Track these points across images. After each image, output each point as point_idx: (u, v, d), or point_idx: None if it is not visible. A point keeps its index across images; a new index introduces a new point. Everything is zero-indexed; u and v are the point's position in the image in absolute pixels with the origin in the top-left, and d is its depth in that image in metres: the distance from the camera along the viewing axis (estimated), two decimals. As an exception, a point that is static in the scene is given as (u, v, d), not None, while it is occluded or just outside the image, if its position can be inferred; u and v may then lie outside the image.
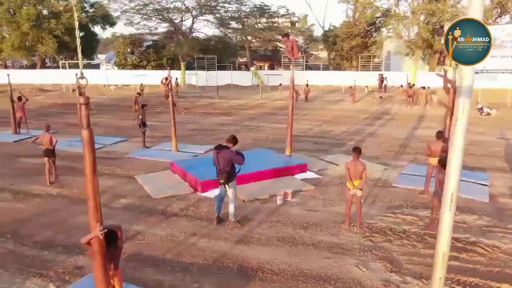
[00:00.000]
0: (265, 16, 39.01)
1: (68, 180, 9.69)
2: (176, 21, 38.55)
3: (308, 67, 38.95)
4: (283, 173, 9.70)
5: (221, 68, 39.98)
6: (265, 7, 38.43)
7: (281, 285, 5.18)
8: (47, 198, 8.55)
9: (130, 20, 39.19)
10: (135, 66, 42.13)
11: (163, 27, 41.27)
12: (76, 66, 43.59)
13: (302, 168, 10.15)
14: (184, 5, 36.29)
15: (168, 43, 43.20)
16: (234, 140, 6.96)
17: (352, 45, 38.32)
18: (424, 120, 19.85)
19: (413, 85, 27.26)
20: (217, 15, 38.49)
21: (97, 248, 3.78)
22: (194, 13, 37.33)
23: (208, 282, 5.25)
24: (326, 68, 46.77)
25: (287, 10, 40.07)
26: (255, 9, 37.76)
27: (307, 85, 27.77)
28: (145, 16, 37.33)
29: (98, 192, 3.82)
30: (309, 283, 5.20)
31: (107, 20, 46.08)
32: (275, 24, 40.56)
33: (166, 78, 12.48)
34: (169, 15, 37.46)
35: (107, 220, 7.33)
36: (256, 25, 39.57)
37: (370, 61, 36.76)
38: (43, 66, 46.27)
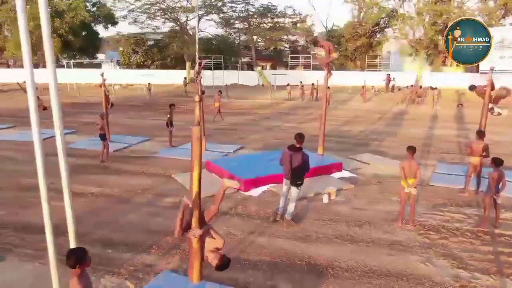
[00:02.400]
0: (270, 16, 39.09)
1: (105, 179, 9.72)
2: (182, 21, 38.54)
3: (315, 67, 39.10)
4: (321, 172, 9.79)
5: (225, 68, 40.05)
6: (272, 7, 38.57)
7: (355, 281, 5.28)
8: (91, 198, 8.58)
9: (135, 19, 39.10)
10: (139, 66, 42.08)
11: (167, 27, 41.26)
12: (79, 65, 43.51)
13: (338, 167, 10.26)
14: (191, 4, 36.28)
15: (171, 42, 43.17)
16: (302, 137, 7.21)
17: (357, 45, 38.55)
18: (437, 119, 20.04)
19: (421, 86, 27.53)
20: (224, 14, 38.53)
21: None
22: (200, 12, 37.35)
23: (281, 279, 5.33)
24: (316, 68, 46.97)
25: (294, 10, 40.30)
26: (262, 8, 37.86)
27: (312, 84, 27.97)
28: (151, 16, 37.25)
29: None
30: (382, 280, 5.30)
31: (110, 19, 45.98)
32: (280, 24, 40.70)
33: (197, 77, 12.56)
34: (175, 15, 37.42)
35: (155, 218, 7.42)
36: (261, 25, 39.64)
37: (375, 61, 37.02)
38: (45, 65, 46.08)
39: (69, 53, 45.80)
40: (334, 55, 10.85)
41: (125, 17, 37.36)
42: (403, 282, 5.25)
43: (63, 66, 40.59)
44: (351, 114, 21.30)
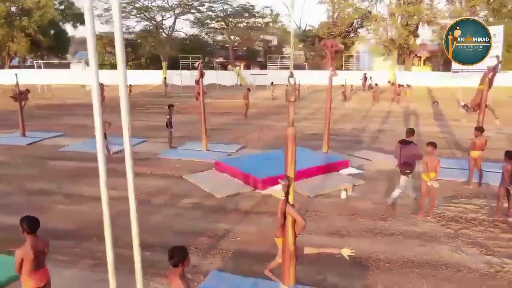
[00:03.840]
0: (247, 15, 39.24)
1: (116, 182, 9.53)
2: (158, 20, 37.96)
3: (296, 67, 39.70)
4: (329, 170, 10.05)
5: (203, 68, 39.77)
6: (250, 7, 38.72)
7: (398, 272, 5.52)
8: (94, 201, 8.40)
9: (108, 19, 38.09)
10: (113, 66, 41.02)
11: (141, 26, 40.49)
12: (48, 66, 41.88)
13: (345, 164, 10.54)
14: (168, 4, 35.82)
15: (145, 42, 42.41)
16: (412, 132, 8.07)
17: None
18: (418, 117, 20.86)
19: (400, 85, 28.54)
20: (200, 14, 38.29)
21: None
22: (176, 11, 36.93)
23: (328, 273, 5.49)
24: (302, 67, 47.69)
25: (271, 10, 40.62)
26: (240, 8, 37.92)
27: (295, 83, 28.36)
28: (126, 15, 36.45)
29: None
30: (423, 269, 5.57)
31: (79, 18, 44.58)
32: (257, 24, 40.91)
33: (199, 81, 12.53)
34: (151, 14, 36.81)
35: (180, 219, 7.39)
36: (238, 25, 39.70)
37: (349, 60, 37.98)
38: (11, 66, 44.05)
39: (36, 53, 44.06)
40: (341, 46, 11.27)
41: (100, 16, 36.32)
42: (442, 270, 5.54)
43: (32, 67, 38.98)
44: (337, 113, 21.77)
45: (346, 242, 6.39)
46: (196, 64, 12.87)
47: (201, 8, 36.21)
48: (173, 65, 39.84)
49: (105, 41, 41.64)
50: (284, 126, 15.09)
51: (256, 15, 39.63)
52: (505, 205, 7.35)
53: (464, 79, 30.51)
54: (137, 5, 35.81)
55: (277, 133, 15.99)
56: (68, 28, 46.34)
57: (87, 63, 49.16)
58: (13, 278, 5.18)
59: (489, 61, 24.63)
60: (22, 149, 13.06)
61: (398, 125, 17.85)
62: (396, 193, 7.64)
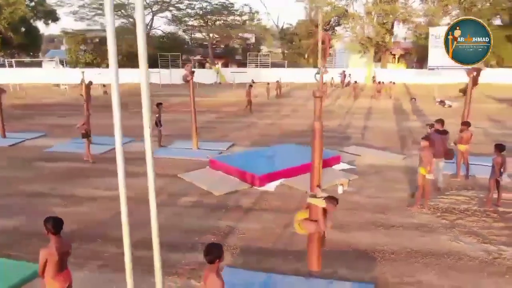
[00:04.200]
0: (226, 13, 39.14)
1: (110, 182, 9.39)
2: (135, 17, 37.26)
3: (274, 65, 39.83)
4: (322, 166, 10.18)
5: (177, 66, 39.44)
6: (229, 5, 38.61)
7: (404, 262, 5.72)
8: (104, 200, 8.29)
9: (82, 16, 37.15)
10: (88, 64, 40.04)
11: (116, 23, 39.59)
12: (20, 64, 40.43)
13: (337, 160, 10.76)
14: (146, 1, 35.20)
15: (120, 39, 41.54)
16: (442, 122, 8.85)
17: (311, 43, 39.78)
18: (398, 113, 21.44)
19: (378, 81, 29.21)
20: (179, 11, 37.88)
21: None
22: (154, 9, 36.36)
23: (337, 266, 5.61)
24: (281, 65, 48.04)
25: (250, 8, 40.64)
26: (219, 6, 37.75)
27: (277, 81, 28.57)
28: (100, 11, 35.61)
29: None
30: (427, 259, 5.80)
31: (51, 15, 43.32)
32: (236, 22, 40.85)
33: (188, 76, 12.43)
34: (128, 12, 36.11)
35: (183, 218, 7.38)
36: (216, 22, 39.51)
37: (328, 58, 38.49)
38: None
39: (6, 51, 42.47)
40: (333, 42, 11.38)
41: (75, 13, 35.34)
42: (445, 259, 5.79)
43: (3, 65, 37.54)
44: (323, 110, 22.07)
45: (349, 236, 6.56)
46: (185, 68, 12.76)
47: (180, 6, 35.83)
48: (151, 64, 39.25)
49: (79, 39, 40.58)
50: (267, 124, 15.32)
51: (235, 13, 39.59)
52: (495, 195, 7.71)
53: (439, 76, 31.62)
54: (113, 3, 35.00)
55: (262, 131, 16.11)
56: (40, 25, 44.91)
57: (60, 62, 48.08)
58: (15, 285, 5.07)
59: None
60: (4, 151, 12.62)
61: (381, 121, 18.31)
62: (441, 177, 8.61)
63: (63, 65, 42.55)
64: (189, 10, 37.29)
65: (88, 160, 11.16)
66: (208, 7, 35.34)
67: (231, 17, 39.89)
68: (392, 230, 6.78)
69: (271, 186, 8.95)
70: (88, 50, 40.88)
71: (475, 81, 10.74)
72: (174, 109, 22.00)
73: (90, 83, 14.24)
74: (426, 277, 5.34)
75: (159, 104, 13.04)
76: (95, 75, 35.98)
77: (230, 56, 52.62)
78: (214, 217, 7.38)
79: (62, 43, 57.22)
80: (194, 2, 36.36)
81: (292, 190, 8.74)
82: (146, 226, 6.96)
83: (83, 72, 14.07)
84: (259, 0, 56.91)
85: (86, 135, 11.15)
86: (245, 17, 40.20)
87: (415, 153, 12.08)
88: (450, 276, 5.34)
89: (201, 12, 37.77)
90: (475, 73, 10.74)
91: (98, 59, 40.77)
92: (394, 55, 49.45)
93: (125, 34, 41.26)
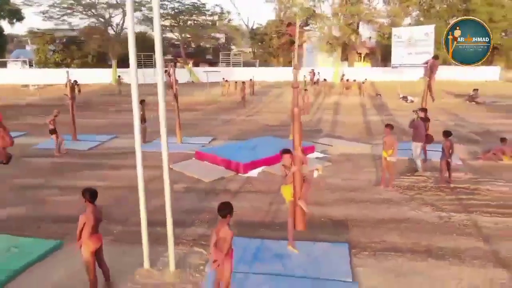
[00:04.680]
0: (197, 13, 39.71)
1: (105, 174, 10.09)
2: (106, 17, 37.14)
3: (246, 64, 40.72)
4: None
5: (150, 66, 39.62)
6: (201, 6, 39.13)
7: (372, 228, 6.81)
8: (100, 189, 8.85)
9: (50, 16, 36.60)
10: (57, 65, 39.52)
11: (86, 23, 39.31)
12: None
13: (311, 149, 11.84)
14: (117, 1, 35.25)
15: (90, 39, 41.26)
16: (425, 110, 10.17)
17: (281, 42, 41.03)
18: (364, 108, 22.94)
19: (346, 79, 30.75)
20: (151, 12, 38.04)
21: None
22: (125, 8, 36.37)
23: (318, 232, 6.63)
24: (252, 64, 49.07)
25: (222, 8, 41.37)
26: (191, 6, 38.24)
27: (251, 79, 29.55)
28: (73, 12, 35.30)
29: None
30: (391, 225, 6.92)
31: (15, 14, 42.39)
32: (207, 22, 41.47)
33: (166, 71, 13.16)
34: (98, 11, 35.97)
35: (179, 201, 8.19)
36: (188, 22, 39.93)
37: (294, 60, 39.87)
38: None
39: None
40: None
41: (45, 12, 34.76)
42: (406, 224, 6.94)
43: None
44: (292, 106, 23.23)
45: (326, 210, 7.62)
46: (167, 69, 13.47)
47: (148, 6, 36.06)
48: (122, 63, 39.18)
49: (47, 39, 39.97)
50: (244, 120, 16.31)
51: (206, 13, 40.21)
52: (446, 174, 9.00)
53: (401, 74, 33.66)
54: (83, 2, 34.82)
55: (239, 126, 17.04)
56: (4, 25, 43.74)
57: (26, 62, 47.06)
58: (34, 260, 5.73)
59: (424, 58, 27.44)
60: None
61: (349, 116, 19.66)
62: (418, 161, 9.79)
63: (31, 65, 41.78)
64: (162, 10, 37.57)
65: (57, 156, 11.84)
66: (180, 7, 35.80)
67: (203, 17, 40.52)
68: (362, 204, 7.89)
69: (254, 173, 9.92)
70: (57, 50, 40.32)
71: (432, 72, 11.95)
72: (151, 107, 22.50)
73: (75, 82, 14.64)
74: (390, 237, 6.44)
75: (142, 101, 13.69)
76: (56, 75, 35.80)
77: (200, 56, 53.13)
78: (207, 200, 8.25)
79: (28, 43, 55.86)
80: (167, 2, 36.71)
81: (272, 175, 9.73)
82: (147, 207, 7.73)
83: (67, 72, 14.45)
84: (230, 1, 57.90)
85: (54, 131, 11.82)
86: (216, 17, 40.92)
87: (381, 142, 13.44)
88: (409, 237, 6.48)
89: (173, 12, 38.14)
90: (431, 61, 12.00)
91: (67, 59, 40.29)
92: (360, 54, 51.56)
93: (94, 34, 41.02)
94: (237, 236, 6.42)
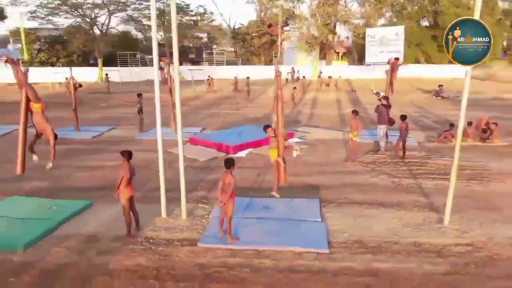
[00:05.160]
0: (181, 14, 40.98)
1: (112, 156, 11.57)
2: (92, 17, 38.04)
3: (228, 63, 42.24)
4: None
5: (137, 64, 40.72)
6: (185, 7, 40.46)
7: (339, 189, 8.57)
8: (112, 168, 10.47)
9: (36, 15, 37.30)
10: (43, 63, 40.17)
11: (71, 22, 40.07)
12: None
13: (291, 135, 13.57)
14: (103, 1, 36.23)
15: (74, 38, 42.02)
16: (387, 98, 12.30)
17: (263, 42, 42.75)
18: (340, 103, 24.86)
19: (328, 75, 32.72)
20: (137, 11, 39.18)
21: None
22: (111, 8, 37.39)
23: (298, 192, 8.34)
24: (234, 63, 50.65)
25: (205, 9, 42.79)
26: (176, 8, 39.37)
27: (235, 77, 31.18)
28: (61, 11, 36.08)
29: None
30: (354, 187, 8.69)
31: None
32: (191, 22, 42.82)
33: (161, 68, 14.67)
34: (83, 11, 36.86)
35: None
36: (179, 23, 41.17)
37: (276, 56, 41.67)
38: None
39: None
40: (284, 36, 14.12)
41: (32, 12, 35.43)
42: (365, 187, 8.73)
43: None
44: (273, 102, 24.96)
45: (303, 179, 9.35)
46: (161, 64, 14.96)
47: (139, 6, 37.22)
48: (108, 62, 40.18)
49: (32, 38, 40.56)
50: (228, 113, 18.10)
51: (190, 13, 41.55)
52: (401, 152, 10.88)
53: (374, 71, 35.82)
54: (69, 2, 35.65)
55: (225, 119, 18.65)
56: None
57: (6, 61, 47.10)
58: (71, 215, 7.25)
59: (392, 56, 29.54)
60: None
61: (326, 109, 21.50)
62: (382, 142, 11.54)
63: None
64: (147, 11, 38.72)
65: None
66: (166, 9, 37.02)
67: (186, 18, 41.84)
68: (332, 174, 9.66)
69: (242, 154, 11.58)
70: (43, 49, 40.95)
71: (394, 70, 13.88)
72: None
73: (76, 82, 15.89)
74: (352, 196, 8.21)
75: (139, 95, 15.18)
76: (52, 74, 36.66)
77: (183, 55, 54.38)
78: (203, 173, 9.87)
79: (10, 42, 55.84)
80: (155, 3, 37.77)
81: (258, 156, 11.42)
82: (150, 181, 9.33)
83: (71, 69, 15.80)
84: (212, 1, 59.19)
85: None
86: (199, 18, 42.28)
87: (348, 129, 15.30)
88: (367, 195, 8.25)
89: (157, 12, 39.27)
90: (392, 61, 13.93)
91: (52, 58, 40.99)
92: (338, 53, 53.81)
93: (78, 33, 41.79)
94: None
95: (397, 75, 14.65)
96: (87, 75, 39.20)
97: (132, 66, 39.13)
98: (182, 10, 40.40)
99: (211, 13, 44.35)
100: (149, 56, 53.97)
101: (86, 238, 6.42)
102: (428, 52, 42.62)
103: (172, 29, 6.73)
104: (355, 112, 10.58)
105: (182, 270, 5.45)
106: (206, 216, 7.32)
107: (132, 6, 36.60)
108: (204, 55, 41.87)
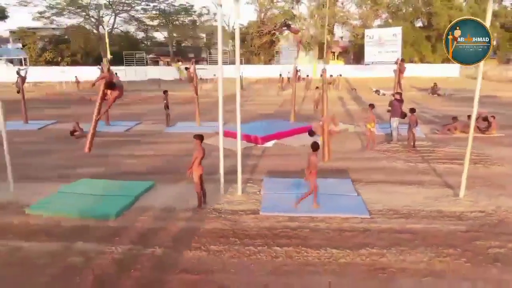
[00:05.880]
0: (183, 14, 42.02)
1: (151, 147, 12.73)
2: (96, 17, 38.91)
3: (232, 62, 43.38)
4: (303, 131, 14.28)
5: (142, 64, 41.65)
6: (189, 8, 41.53)
7: (364, 172, 9.84)
8: (153, 157, 11.63)
9: (39, 15, 38.07)
10: (48, 63, 40.91)
11: (75, 22, 40.87)
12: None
13: (309, 128, 14.83)
14: (109, 2, 37.11)
15: (76, 38, 42.80)
16: (401, 94, 13.38)
17: (263, 41, 44.01)
18: (343, 100, 26.23)
19: (330, 74, 34.08)
20: (145, 13, 40.14)
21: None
22: (118, 9, 38.26)
23: (328, 175, 9.60)
24: (233, 63, 51.75)
25: (208, 10, 43.90)
26: (180, 9, 40.55)
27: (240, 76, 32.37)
28: (71, 12, 36.89)
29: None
30: (376, 170, 9.98)
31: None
32: (196, 23, 43.89)
33: (187, 68, 15.84)
34: (89, 11, 37.72)
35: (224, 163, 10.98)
36: (175, 23, 42.19)
37: (277, 55, 42.93)
38: None
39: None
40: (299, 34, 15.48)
41: (42, 12, 36.16)
42: (385, 170, 10.03)
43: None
44: (281, 99, 26.28)
45: (332, 164, 10.61)
46: (190, 65, 16.17)
47: (146, 8, 38.18)
48: (111, 62, 41.05)
49: (37, 37, 41.28)
50: (243, 110, 19.00)
51: (193, 14, 42.58)
52: (411, 142, 12.24)
53: (372, 71, 37.34)
54: (79, 3, 36.46)
55: (245, 115, 19.80)
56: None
57: (9, 61, 47.86)
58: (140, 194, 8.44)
59: (391, 56, 31.02)
60: (36, 133, 15.24)
61: (332, 106, 22.81)
62: (394, 133, 12.79)
63: (22, 64, 42.84)
64: (154, 12, 39.78)
65: None
66: (171, 9, 38.00)
67: (189, 18, 42.85)
68: (354, 160, 10.96)
69: (269, 144, 12.83)
70: (48, 48, 41.67)
71: (401, 70, 15.28)
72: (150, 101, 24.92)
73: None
74: (377, 176, 9.50)
75: (165, 92, 16.32)
76: (59, 73, 37.48)
77: (183, 55, 55.44)
78: (242, 161, 11.07)
79: (9, 42, 56.24)
80: (159, 5, 38.89)
81: (283, 146, 12.69)
82: (172, 162, 10.35)
83: (101, 65, 16.85)
84: (212, 3, 60.24)
85: None
86: (202, 18, 43.41)
87: (361, 124, 16.63)
88: (389, 176, 9.56)
89: (163, 13, 40.36)
90: (399, 62, 15.32)
91: (57, 57, 41.74)
92: (333, 52, 55.34)
93: (81, 33, 42.56)
94: (270, 177, 9.40)
95: (404, 74, 16.03)
96: (90, 74, 40.04)
97: (137, 65, 40.01)
98: (185, 10, 41.45)
99: (214, 14, 45.47)
100: (149, 56, 54.99)
101: (163, 210, 7.61)
102: (422, 51, 44.33)
103: (236, 42, 7.89)
104: (371, 106, 11.90)
105: (253, 231, 6.68)
106: (258, 192, 8.55)
107: (139, 7, 37.51)
108: (207, 55, 42.90)
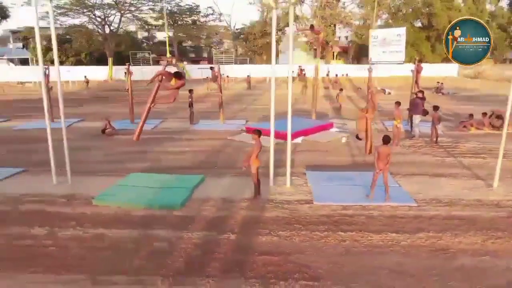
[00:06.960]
0: (188, 14, 42.41)
1: (183, 143, 13.20)
2: (102, 17, 39.12)
3: (236, 61, 43.94)
4: (325, 128, 14.86)
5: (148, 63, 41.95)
6: (195, 8, 41.95)
7: (395, 166, 10.43)
8: (188, 152, 12.12)
9: (43, 15, 38.08)
10: (53, 62, 40.89)
11: (77, 21, 40.99)
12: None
13: (331, 125, 15.44)
14: (115, 2, 37.37)
15: (79, 37, 42.91)
16: (422, 92, 14.11)
17: (267, 41, 44.54)
18: (354, 98, 26.87)
19: (335, 74, 34.73)
20: (153, 13, 40.43)
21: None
22: (124, 9, 38.54)
23: (366, 169, 10.17)
24: (243, 62, 52.27)
25: (213, 10, 44.38)
26: (185, 9, 40.92)
27: (248, 76, 32.92)
28: (78, 11, 37.06)
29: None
30: (405, 164, 10.57)
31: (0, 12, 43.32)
32: (199, 24, 44.31)
33: (212, 68, 16.33)
34: (96, 11, 37.93)
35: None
36: (179, 23, 42.56)
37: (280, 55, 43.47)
38: None
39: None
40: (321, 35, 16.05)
41: (48, 12, 36.13)
42: (414, 163, 10.64)
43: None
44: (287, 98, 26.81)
45: (363, 158, 11.21)
46: (212, 66, 16.64)
47: (154, 8, 38.49)
48: (117, 61, 41.28)
49: (45, 36, 41.28)
50: (255, 108, 20.07)
51: (199, 14, 43.00)
52: (434, 138, 12.88)
53: (375, 70, 38.04)
54: (88, 3, 36.65)
55: (256, 113, 20.36)
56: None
57: (10, 60, 47.85)
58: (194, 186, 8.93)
59: (396, 56, 31.75)
60: (66, 131, 15.57)
61: (343, 104, 23.45)
62: (416, 129, 13.39)
63: (26, 63, 42.95)
64: (159, 12, 40.01)
65: None
66: (177, 10, 38.30)
67: (192, 18, 43.22)
68: (384, 155, 11.53)
69: (298, 140, 13.38)
70: (52, 48, 41.70)
71: (418, 71, 15.87)
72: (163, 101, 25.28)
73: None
74: (410, 169, 10.10)
75: (190, 91, 16.79)
76: (65, 73, 37.63)
77: (181, 55, 55.77)
78: (276, 156, 11.63)
79: (9, 41, 56.14)
80: (166, 5, 39.23)
81: (310, 142, 13.24)
82: (229, 160, 10.94)
83: (127, 66, 17.24)
84: (214, 3, 61.18)
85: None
86: (207, 18, 43.82)
87: (377, 122, 17.26)
88: (421, 168, 10.17)
89: (169, 12, 40.70)
90: (417, 64, 15.96)
91: (62, 57, 41.84)
92: (333, 52, 56.09)
93: (84, 33, 42.68)
94: (311, 170, 9.95)
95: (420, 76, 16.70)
96: (94, 73, 40.29)
97: (142, 65, 40.28)
98: (191, 10, 41.85)
99: (220, 14, 46.03)
100: (152, 55, 55.23)
101: (222, 200, 8.11)
102: (422, 51, 45.20)
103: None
104: (398, 103, 12.50)
105: (313, 218, 7.22)
106: (304, 184, 9.09)
107: (146, 8, 37.83)
108: (213, 55, 43.34)
